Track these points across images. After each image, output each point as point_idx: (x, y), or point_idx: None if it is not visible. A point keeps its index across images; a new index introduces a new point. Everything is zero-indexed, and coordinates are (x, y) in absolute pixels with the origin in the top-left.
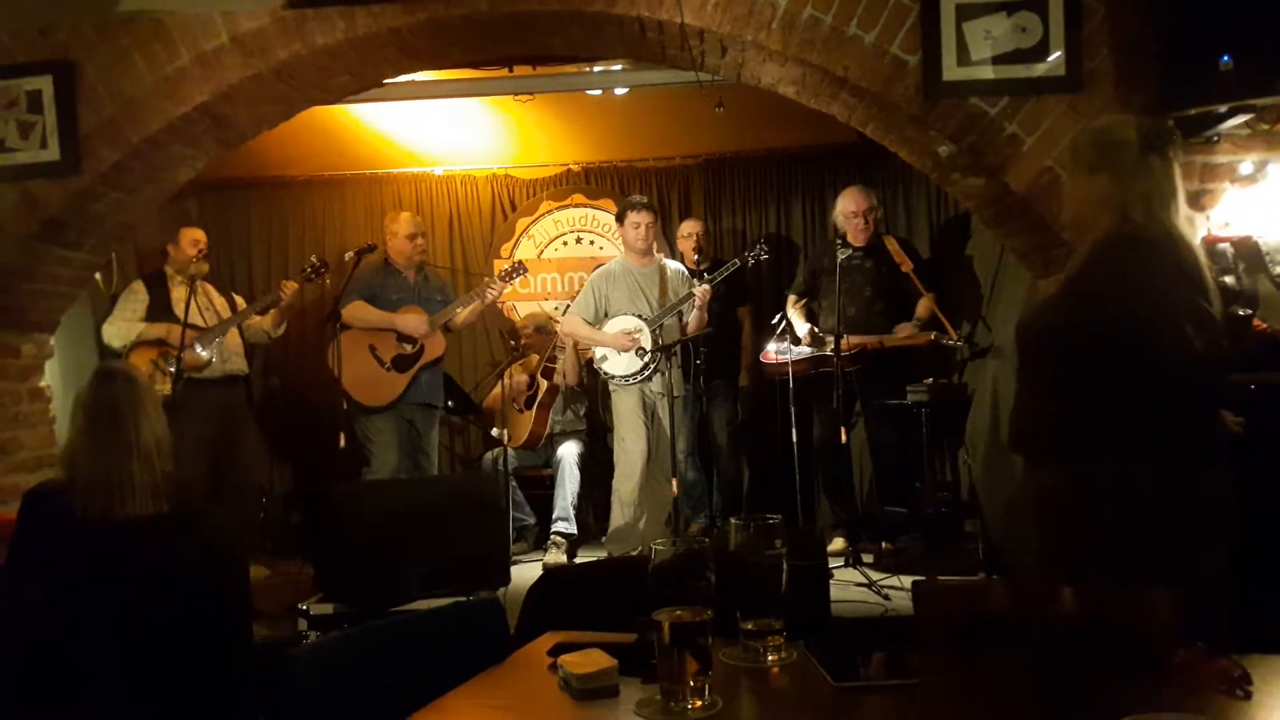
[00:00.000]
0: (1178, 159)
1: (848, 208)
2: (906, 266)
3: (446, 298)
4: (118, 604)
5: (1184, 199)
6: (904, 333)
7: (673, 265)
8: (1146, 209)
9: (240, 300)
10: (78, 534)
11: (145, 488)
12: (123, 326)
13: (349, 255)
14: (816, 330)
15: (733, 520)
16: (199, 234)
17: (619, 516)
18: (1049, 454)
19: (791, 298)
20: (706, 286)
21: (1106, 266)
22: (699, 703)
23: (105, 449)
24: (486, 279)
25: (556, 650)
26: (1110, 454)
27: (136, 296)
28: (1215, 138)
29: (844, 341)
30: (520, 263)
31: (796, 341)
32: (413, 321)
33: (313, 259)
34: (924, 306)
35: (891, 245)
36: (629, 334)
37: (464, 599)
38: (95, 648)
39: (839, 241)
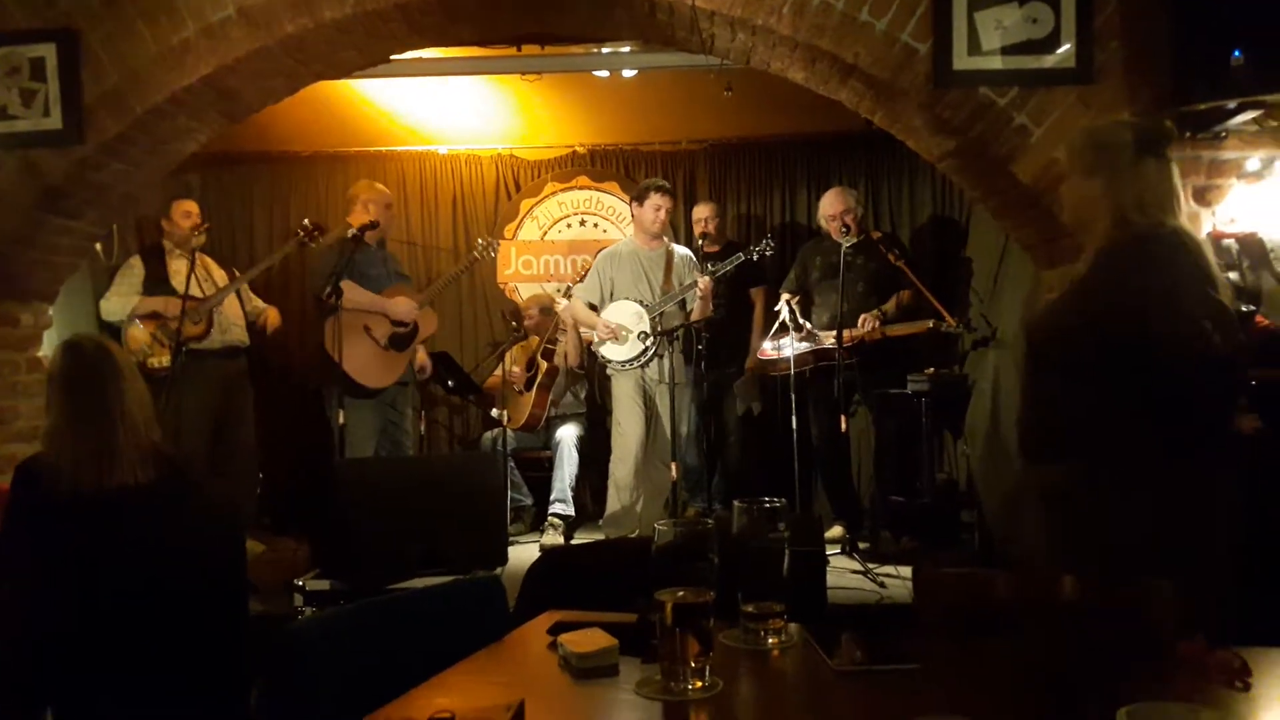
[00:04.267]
0: (1177, 158)
1: (826, 210)
2: (900, 262)
3: (402, 272)
4: (111, 575)
5: (1185, 196)
6: (867, 324)
7: (680, 251)
8: (1142, 209)
9: (239, 273)
10: (68, 507)
11: (133, 455)
12: (119, 300)
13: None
14: (811, 327)
15: (736, 503)
16: (191, 206)
17: (615, 500)
18: (1056, 454)
19: (784, 295)
20: (708, 279)
21: (1117, 266)
22: (699, 683)
23: (89, 419)
24: (472, 253)
25: (556, 629)
26: (1119, 452)
27: (133, 271)
28: (1223, 133)
29: (846, 334)
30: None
31: (800, 329)
32: (404, 306)
33: (305, 222)
34: (900, 299)
35: (880, 241)
36: (625, 326)
37: (462, 578)
38: (89, 621)
39: (833, 236)
